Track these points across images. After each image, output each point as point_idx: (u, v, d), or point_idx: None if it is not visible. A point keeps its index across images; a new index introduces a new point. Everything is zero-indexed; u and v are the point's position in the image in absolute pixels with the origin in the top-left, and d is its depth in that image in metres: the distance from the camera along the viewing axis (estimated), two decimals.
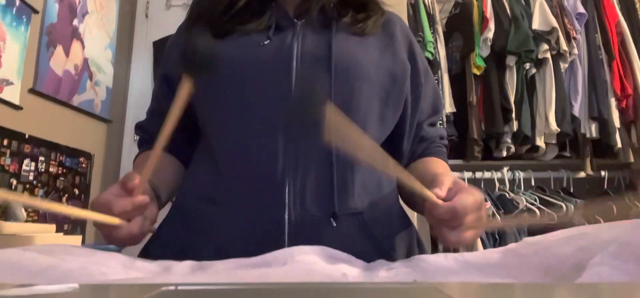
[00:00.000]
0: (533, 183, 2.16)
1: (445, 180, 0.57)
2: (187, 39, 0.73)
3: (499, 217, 1.98)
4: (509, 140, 2.15)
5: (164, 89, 0.75)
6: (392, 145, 0.74)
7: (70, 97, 2.02)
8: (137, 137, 0.82)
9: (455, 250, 0.52)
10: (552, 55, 2.15)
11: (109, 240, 0.57)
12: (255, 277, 0.40)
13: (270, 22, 0.69)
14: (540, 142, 2.12)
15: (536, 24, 2.16)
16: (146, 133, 0.79)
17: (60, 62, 1.95)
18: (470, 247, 1.92)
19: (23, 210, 1.51)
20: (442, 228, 0.54)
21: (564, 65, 2.17)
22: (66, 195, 1.97)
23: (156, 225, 0.67)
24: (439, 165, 0.74)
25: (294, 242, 0.57)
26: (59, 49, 1.95)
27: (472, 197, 0.53)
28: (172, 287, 0.28)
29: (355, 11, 0.73)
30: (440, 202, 0.54)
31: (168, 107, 0.75)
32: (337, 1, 0.73)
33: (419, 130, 0.77)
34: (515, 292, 0.31)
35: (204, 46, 0.51)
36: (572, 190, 2.16)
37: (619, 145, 2.08)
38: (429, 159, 0.76)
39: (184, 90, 0.53)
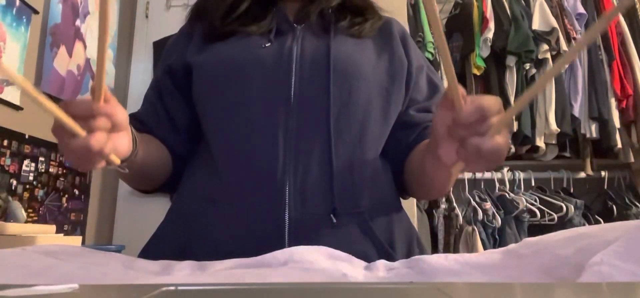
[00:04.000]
0: (533, 183, 2.16)
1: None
2: None
3: (498, 217, 1.99)
4: (509, 141, 2.15)
5: (166, 80, 0.74)
6: (385, 149, 0.73)
7: (74, 98, 2.02)
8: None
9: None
10: (552, 56, 2.15)
11: (66, 153, 0.48)
12: (255, 277, 0.40)
13: (271, 25, 0.70)
14: (540, 142, 2.12)
15: (536, 24, 2.16)
16: (141, 123, 0.72)
17: (64, 63, 1.96)
18: (471, 248, 1.92)
19: (23, 211, 1.51)
20: (469, 140, 0.46)
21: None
22: (66, 195, 1.97)
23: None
24: None
25: (294, 241, 0.57)
26: (63, 50, 1.95)
27: (492, 99, 0.47)
28: (172, 287, 0.28)
29: (353, 15, 0.74)
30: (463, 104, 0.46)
31: (169, 99, 0.73)
32: (335, 6, 0.74)
33: (403, 116, 0.72)
34: (515, 292, 0.31)
35: None
36: (572, 191, 2.16)
37: (619, 145, 2.08)
38: (422, 143, 0.69)
39: None
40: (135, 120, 0.73)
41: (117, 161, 0.52)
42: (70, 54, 2.00)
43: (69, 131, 0.45)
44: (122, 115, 0.50)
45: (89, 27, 2.16)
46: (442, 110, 0.49)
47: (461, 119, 0.46)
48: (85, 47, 2.12)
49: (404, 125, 0.72)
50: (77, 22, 2.07)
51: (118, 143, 0.51)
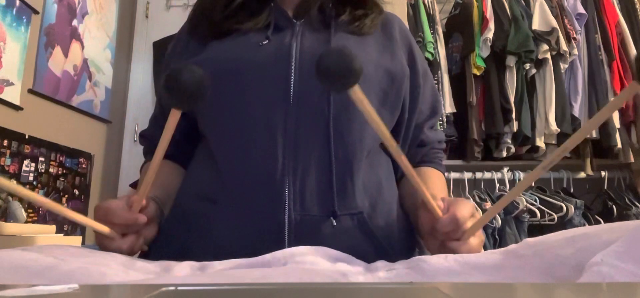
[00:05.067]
0: (533, 183, 2.16)
1: (437, 198, 0.58)
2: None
3: (498, 217, 1.98)
4: (509, 141, 2.15)
5: None
6: (385, 149, 0.74)
7: (70, 98, 2.02)
8: (139, 144, 0.83)
9: None
10: (552, 56, 2.15)
11: (100, 247, 0.58)
12: (255, 277, 0.40)
13: (269, 20, 0.70)
14: (540, 142, 2.12)
15: (536, 25, 2.16)
16: (150, 142, 0.79)
17: (59, 63, 1.96)
18: None
19: (23, 211, 1.51)
20: (447, 243, 0.55)
21: (564, 66, 2.18)
22: (66, 195, 1.97)
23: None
24: (434, 178, 0.75)
25: (294, 242, 0.57)
26: (58, 50, 1.95)
27: (466, 207, 0.55)
28: (172, 288, 0.28)
29: (353, 8, 0.74)
30: (441, 214, 0.55)
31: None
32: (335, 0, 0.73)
33: (418, 133, 0.76)
34: (515, 292, 0.31)
35: (189, 76, 0.47)
36: (572, 191, 2.16)
37: (619, 145, 2.08)
38: (425, 170, 0.76)
39: (173, 119, 0.51)
40: (145, 139, 0.80)
41: (145, 249, 0.61)
42: (66, 54, 2.00)
43: (106, 235, 0.55)
44: (153, 213, 0.61)
45: (87, 27, 2.16)
46: (425, 214, 0.58)
47: (439, 229, 0.54)
48: (82, 47, 2.12)
49: (421, 143, 0.77)
50: (74, 22, 2.07)
51: (148, 235, 0.60)
